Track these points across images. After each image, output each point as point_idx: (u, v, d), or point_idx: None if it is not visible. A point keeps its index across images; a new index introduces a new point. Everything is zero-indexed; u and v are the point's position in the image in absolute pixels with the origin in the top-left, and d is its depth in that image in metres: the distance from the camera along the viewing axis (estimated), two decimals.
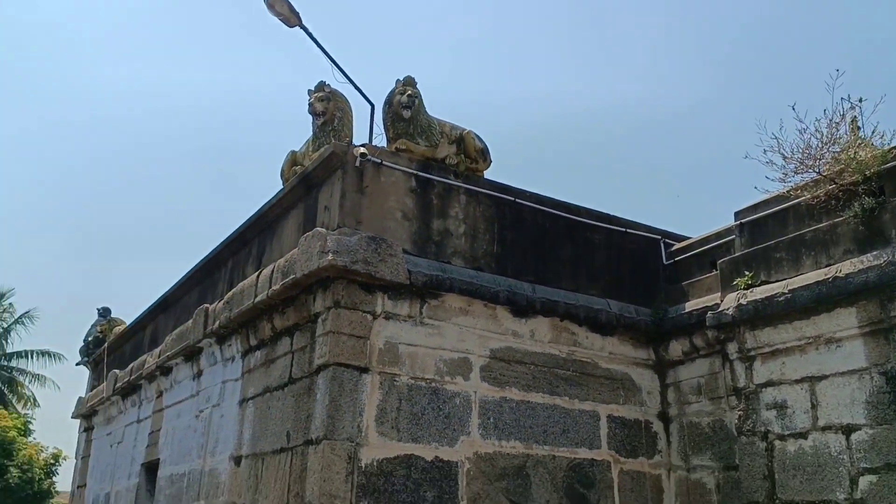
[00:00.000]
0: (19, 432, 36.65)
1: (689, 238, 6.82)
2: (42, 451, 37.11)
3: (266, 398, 5.74)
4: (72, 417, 11.60)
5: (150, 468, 8.28)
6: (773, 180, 5.42)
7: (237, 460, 5.93)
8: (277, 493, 5.18)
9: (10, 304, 46.14)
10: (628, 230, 6.63)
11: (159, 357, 7.93)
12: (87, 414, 11.01)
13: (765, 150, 5.36)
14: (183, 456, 7.13)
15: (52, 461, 37.02)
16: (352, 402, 4.89)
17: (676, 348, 6.15)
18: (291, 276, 5.26)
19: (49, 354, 46.10)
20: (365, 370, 5.01)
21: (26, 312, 47.07)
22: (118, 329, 11.07)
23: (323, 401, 4.89)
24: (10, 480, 33.86)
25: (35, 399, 45.42)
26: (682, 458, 6.01)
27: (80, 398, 11.49)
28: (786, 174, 5.34)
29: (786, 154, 5.28)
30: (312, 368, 5.14)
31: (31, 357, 45.58)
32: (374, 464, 4.86)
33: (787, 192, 5.45)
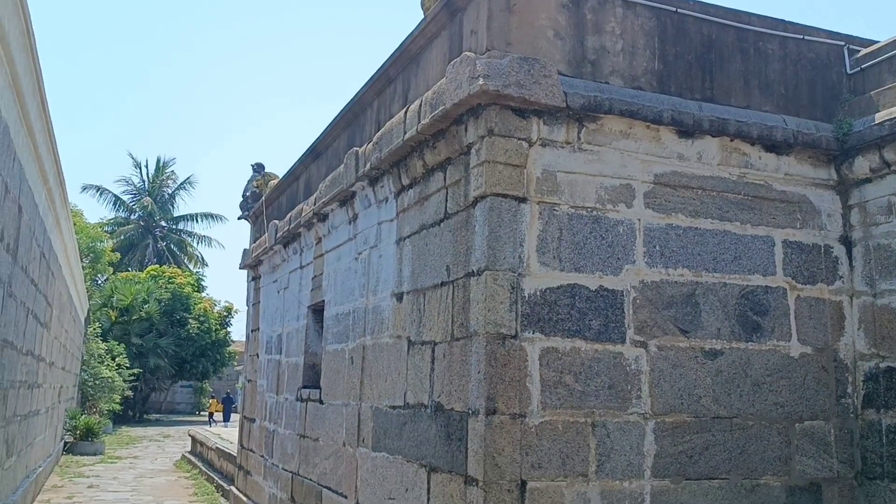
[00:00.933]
0: (194, 288, 40.28)
1: (877, 42, 6.02)
2: (215, 305, 40.75)
3: (422, 235, 5.74)
4: (239, 268, 12.37)
5: (317, 310, 8.71)
6: None
7: (399, 297, 6.06)
8: (441, 325, 5.25)
9: (172, 171, 49.68)
10: (806, 37, 5.90)
11: (315, 204, 8.13)
12: (252, 264, 11.69)
13: None
14: (346, 296, 7.40)
15: (224, 313, 40.72)
16: (511, 233, 4.77)
17: (863, 165, 5.55)
18: (441, 108, 5.06)
19: (211, 216, 49.71)
20: (523, 200, 4.84)
21: (187, 178, 50.62)
22: (272, 183, 11.47)
23: (482, 232, 4.79)
24: (191, 331, 37.63)
25: (203, 259, 49.45)
26: (867, 283, 5.56)
27: (244, 250, 12.19)
28: None
29: None
30: (468, 201, 5.03)
31: (196, 220, 49.29)
32: (538, 293, 4.78)
33: None
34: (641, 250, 5.08)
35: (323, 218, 8.15)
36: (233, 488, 11.78)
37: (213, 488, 13.19)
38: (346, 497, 6.76)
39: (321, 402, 7.85)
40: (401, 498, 5.60)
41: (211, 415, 38.08)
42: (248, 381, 11.71)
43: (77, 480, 14.35)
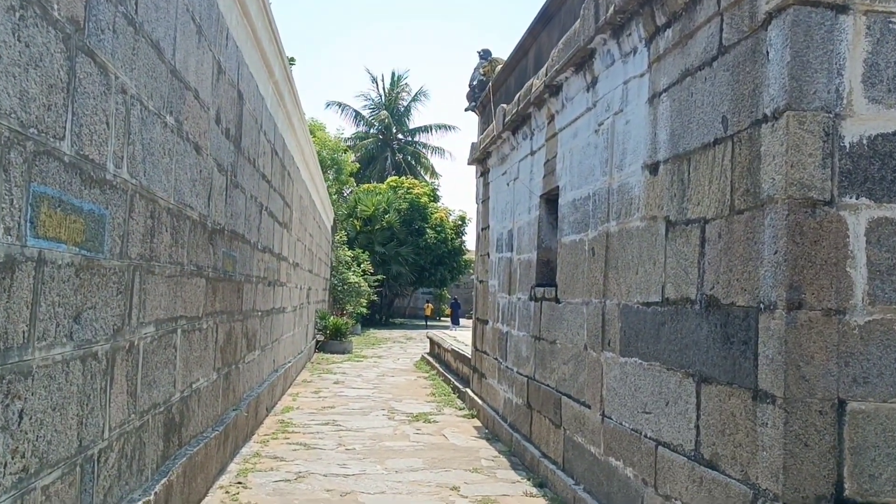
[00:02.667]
0: (430, 198, 41.15)
1: None
2: (450, 214, 41.44)
3: (685, 85, 4.44)
4: (468, 164, 11.67)
5: (550, 199, 7.72)
6: None
7: (652, 168, 4.85)
8: (715, 196, 4.00)
9: (406, 83, 50.65)
10: None
11: (546, 76, 7.02)
12: (480, 158, 10.90)
13: None
14: (584, 178, 6.31)
15: (459, 223, 41.32)
16: (824, 57, 3.36)
17: None
18: None
19: (445, 127, 50.29)
20: (842, 9, 3.39)
21: (420, 90, 51.42)
22: (500, 68, 10.48)
23: (780, 59, 3.43)
24: (428, 240, 38.61)
25: (435, 170, 50.41)
26: None
27: (472, 144, 11.44)
28: None
29: None
30: (756, 22, 3.65)
31: (430, 131, 50.13)
32: (864, 142, 3.37)
33: None
34: None
35: (555, 91, 7.03)
36: (468, 390, 11.44)
37: (450, 389, 13.03)
38: (588, 407, 5.84)
39: (557, 300, 6.92)
40: (659, 412, 4.55)
41: (426, 318, 40.39)
42: (480, 281, 11.12)
43: (325, 376, 14.93)
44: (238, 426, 7.51)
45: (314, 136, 34.18)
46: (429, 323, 40.83)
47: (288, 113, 10.90)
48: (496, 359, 9.63)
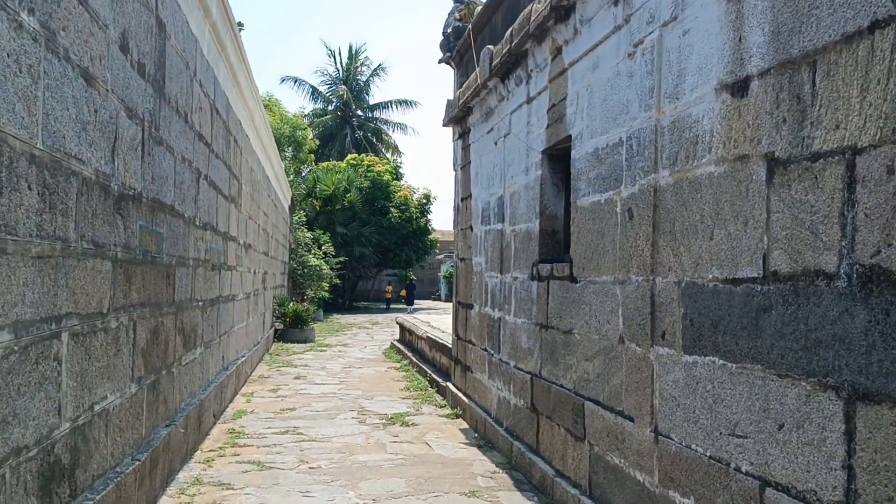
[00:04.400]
0: (392, 176, 39.47)
1: None
2: (414, 192, 39.85)
3: None
4: (443, 125, 10.16)
5: (555, 154, 6.27)
6: None
7: (737, 88, 3.41)
8: (873, 110, 2.58)
9: (366, 56, 48.69)
10: None
11: None
12: (459, 116, 9.40)
13: None
14: (611, 120, 4.87)
15: (423, 201, 39.74)
16: None
17: None
18: None
19: (406, 103, 48.51)
20: None
21: (379, 65, 49.50)
22: (479, 10, 8.96)
23: None
24: (392, 219, 36.96)
25: (398, 147, 48.68)
26: None
27: (448, 102, 9.92)
28: None
29: None
30: None
31: (391, 107, 48.33)
32: None
33: None
34: None
35: (565, 14, 5.56)
36: (449, 385, 10.00)
37: (426, 383, 11.58)
38: (630, 419, 4.43)
39: (573, 279, 5.49)
40: (765, 438, 3.13)
41: (387, 300, 39.51)
42: (461, 259, 9.66)
43: (284, 370, 13.38)
44: (172, 446, 5.96)
45: (270, 112, 32.29)
46: (390, 306, 39.68)
47: (232, 67, 9.25)
48: (485, 350, 8.19)
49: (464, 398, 9.00)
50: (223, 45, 8.40)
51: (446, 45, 9.80)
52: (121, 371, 4.65)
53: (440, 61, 9.95)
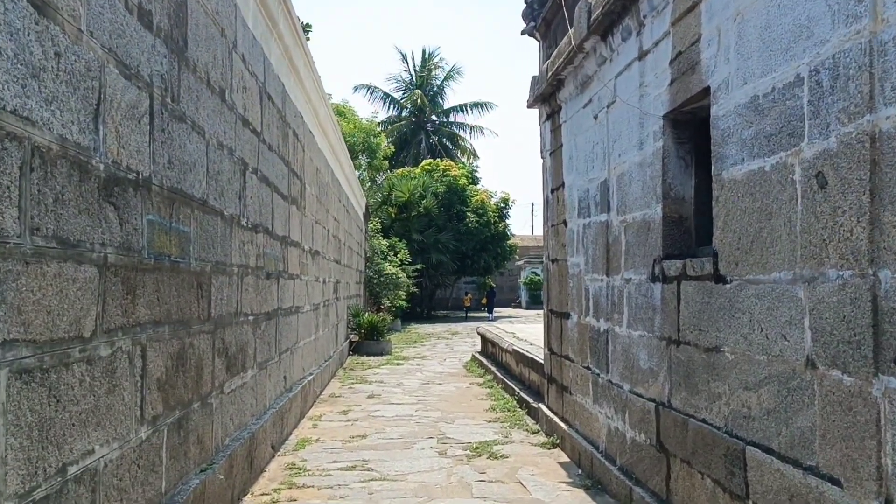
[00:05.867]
0: (468, 181, 38.28)
1: None
2: (492, 196, 38.56)
3: None
4: (527, 107, 8.83)
5: (682, 118, 4.87)
6: None
7: None
8: None
9: (440, 58, 47.66)
10: None
11: None
12: (546, 94, 8.05)
13: None
14: (780, 53, 3.45)
15: (501, 205, 38.39)
16: None
17: None
18: None
19: (481, 105, 47.24)
20: None
21: (453, 67, 48.42)
22: None
23: None
24: (469, 224, 35.74)
25: (474, 151, 47.46)
26: None
27: (532, 79, 8.58)
28: None
29: None
30: None
31: (466, 110, 47.16)
32: None
33: None
34: None
35: None
36: (542, 407, 8.63)
37: (514, 402, 10.22)
38: (836, 483, 2.99)
39: (719, 278, 4.08)
40: None
41: (466, 308, 38.58)
42: (552, 261, 8.29)
43: (357, 388, 12.25)
44: (208, 498, 4.81)
45: (343, 119, 31.56)
46: (469, 314, 38.58)
47: (287, 49, 8.16)
48: (587, 368, 6.80)
49: (561, 424, 7.62)
50: (273, 20, 7.30)
51: (529, 14, 8.48)
52: (120, 412, 3.49)
53: (522, 32, 8.62)
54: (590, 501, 5.71)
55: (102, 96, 3.27)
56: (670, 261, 4.83)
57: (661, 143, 5.01)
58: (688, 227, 4.97)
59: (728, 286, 3.98)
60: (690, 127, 4.91)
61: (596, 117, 6.52)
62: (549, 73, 7.59)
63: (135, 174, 3.66)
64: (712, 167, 4.18)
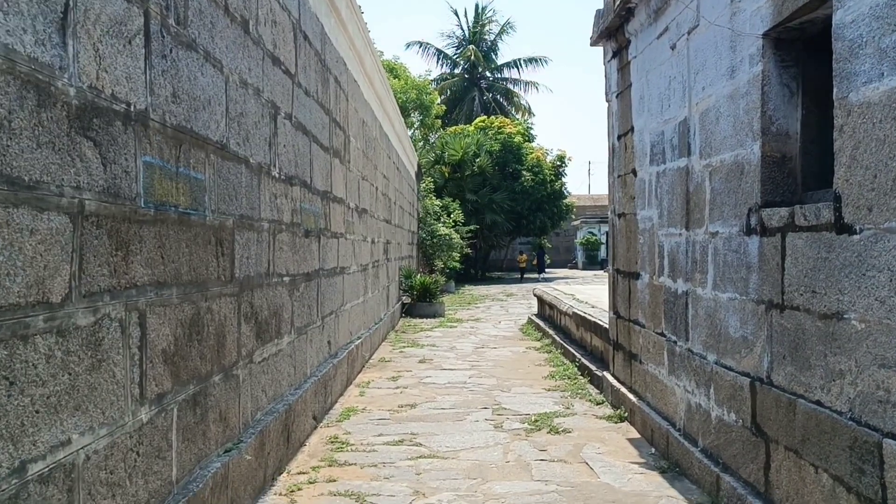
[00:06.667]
0: (524, 138, 37.17)
1: None
2: (547, 154, 37.43)
3: None
4: (591, 45, 7.95)
5: (787, 36, 4.00)
6: None
7: None
8: None
9: (493, 11, 46.30)
10: None
11: None
12: (613, 27, 7.17)
13: None
14: None
15: (557, 163, 37.25)
16: None
17: None
18: None
19: (536, 60, 45.85)
20: None
21: (507, 22, 47.00)
22: None
23: None
24: (524, 183, 34.73)
25: (530, 107, 46.17)
26: None
27: (597, 11, 7.69)
28: None
29: None
30: None
31: (520, 65, 45.83)
32: None
33: None
34: None
35: None
36: (606, 375, 7.90)
37: (575, 369, 9.50)
38: None
39: (844, 228, 3.26)
40: None
41: (521, 269, 37.72)
42: (619, 215, 7.48)
43: (408, 352, 11.69)
44: (233, 481, 4.25)
45: (395, 77, 30.78)
46: (524, 275, 37.74)
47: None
48: (661, 335, 6.03)
49: (629, 395, 6.88)
50: None
51: None
52: (109, 392, 2.90)
53: None
54: (668, 489, 5.00)
55: (71, 5, 2.62)
56: (771, 209, 4.02)
57: (760, 68, 4.16)
58: (792, 168, 4.14)
59: (856, 237, 3.16)
60: (797, 46, 4.05)
61: (673, 47, 5.65)
62: (617, 2, 6.70)
63: (124, 105, 3.02)
64: (834, 89, 3.34)
